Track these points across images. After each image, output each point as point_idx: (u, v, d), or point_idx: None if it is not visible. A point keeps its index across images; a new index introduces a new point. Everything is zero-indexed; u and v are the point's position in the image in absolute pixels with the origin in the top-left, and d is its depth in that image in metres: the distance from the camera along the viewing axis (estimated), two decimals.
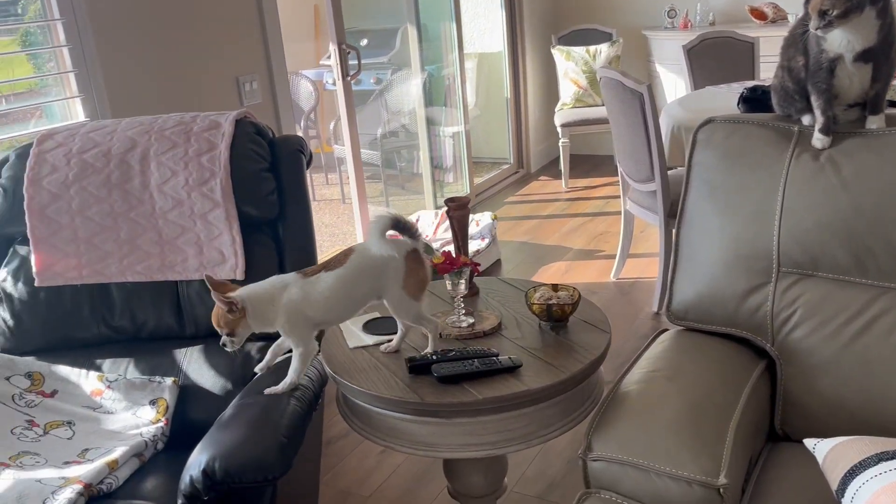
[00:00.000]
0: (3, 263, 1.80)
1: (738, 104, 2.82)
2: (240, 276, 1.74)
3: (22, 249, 1.79)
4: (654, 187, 2.97)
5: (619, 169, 3.33)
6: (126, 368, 1.71)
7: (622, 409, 1.36)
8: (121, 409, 1.64)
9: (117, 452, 1.47)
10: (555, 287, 1.59)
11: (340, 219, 5.09)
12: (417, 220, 4.01)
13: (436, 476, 2.22)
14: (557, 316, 1.53)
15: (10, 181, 1.78)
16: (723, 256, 1.55)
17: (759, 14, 4.73)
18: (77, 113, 2.38)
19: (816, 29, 1.39)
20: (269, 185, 1.77)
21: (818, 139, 1.48)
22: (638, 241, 3.91)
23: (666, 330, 1.69)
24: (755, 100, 2.65)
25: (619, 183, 3.40)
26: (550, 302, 1.53)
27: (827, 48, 1.42)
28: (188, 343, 1.76)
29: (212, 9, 2.79)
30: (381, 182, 5.29)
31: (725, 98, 3.33)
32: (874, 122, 1.46)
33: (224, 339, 1.43)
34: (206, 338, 1.77)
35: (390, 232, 1.43)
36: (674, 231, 1.69)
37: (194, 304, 1.76)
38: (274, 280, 1.46)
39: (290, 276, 1.46)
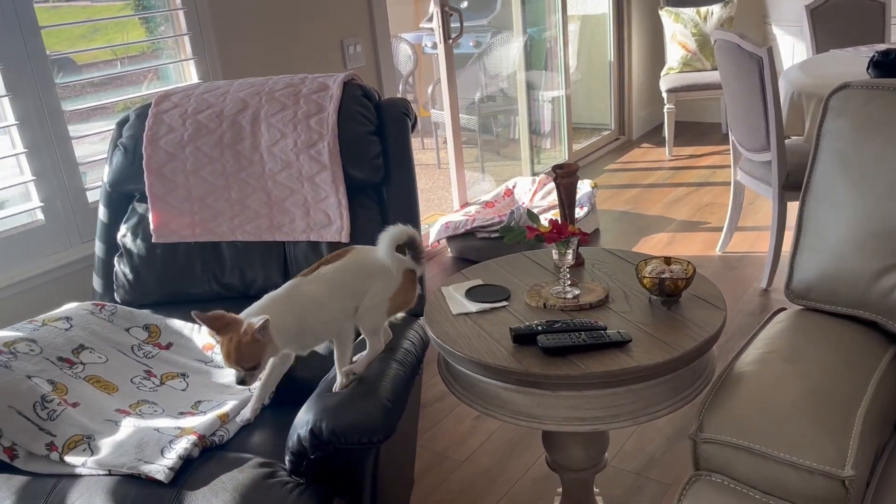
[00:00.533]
0: (124, 219, 1.88)
1: (867, 69, 2.62)
2: (345, 238, 1.75)
3: (140, 207, 1.87)
4: (768, 157, 2.81)
5: (731, 137, 3.17)
6: None
7: (738, 390, 1.29)
8: None
9: (228, 406, 1.52)
10: (667, 260, 1.52)
11: (436, 184, 5.10)
12: (514, 187, 3.96)
13: (531, 445, 2.21)
14: (670, 290, 1.46)
15: (130, 140, 1.85)
16: (853, 233, 1.44)
17: None
18: (191, 75, 2.44)
19: None
20: (375, 148, 1.77)
21: None
22: (747, 213, 3.73)
23: (783, 309, 1.59)
24: (888, 64, 2.46)
25: (730, 152, 3.23)
26: (663, 276, 1.46)
27: None
28: None
29: None
30: (476, 147, 5.25)
31: (852, 62, 3.09)
32: None
33: (243, 375, 1.31)
34: None
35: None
36: (797, 204, 1.58)
37: (301, 265, 1.79)
38: (278, 292, 1.39)
39: (292, 281, 1.41)
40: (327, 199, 1.74)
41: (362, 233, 1.76)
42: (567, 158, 4.76)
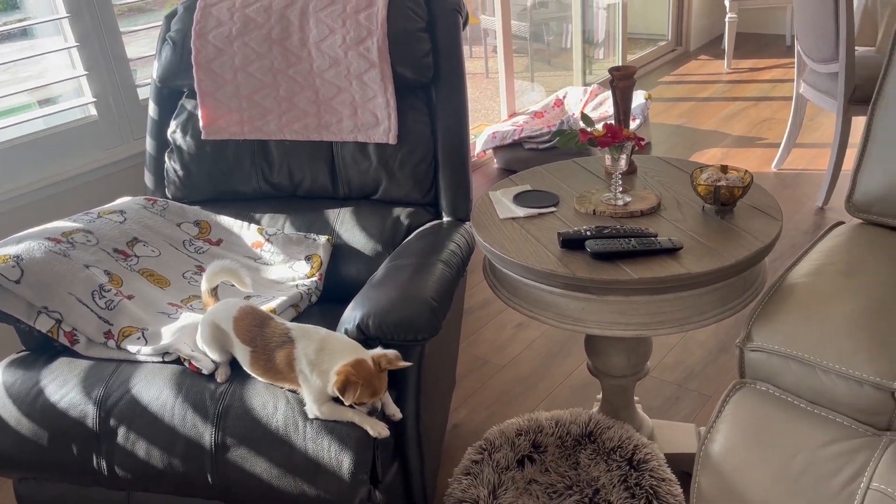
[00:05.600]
0: (173, 116, 1.88)
1: None
2: (392, 140, 1.73)
3: (189, 103, 1.87)
4: (836, 68, 2.66)
5: (797, 46, 3.01)
6: (283, 224, 1.79)
7: (790, 301, 1.27)
8: (279, 262, 1.72)
9: (276, 301, 1.55)
10: (724, 168, 1.47)
11: (483, 94, 4.99)
12: (565, 97, 3.85)
13: (570, 354, 2.22)
14: (725, 199, 1.42)
15: (179, 34, 1.83)
16: None
17: None
18: None
19: None
20: (425, 46, 1.72)
21: None
22: (806, 129, 3.58)
23: (842, 222, 1.54)
24: None
25: (795, 63, 3.07)
26: (719, 183, 1.42)
27: None
28: (341, 203, 1.80)
29: None
30: (527, 56, 5.10)
31: None
32: None
33: (374, 404, 1.27)
34: (359, 199, 1.81)
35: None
36: (863, 120, 1.50)
37: (348, 165, 1.79)
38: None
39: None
40: (375, 98, 1.72)
41: (410, 134, 1.74)
42: None
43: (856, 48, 2.72)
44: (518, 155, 3.47)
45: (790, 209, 2.92)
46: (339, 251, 1.73)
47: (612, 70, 1.62)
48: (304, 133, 1.78)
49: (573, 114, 3.76)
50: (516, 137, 3.42)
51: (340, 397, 1.24)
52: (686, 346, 2.21)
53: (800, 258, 1.43)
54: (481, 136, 3.61)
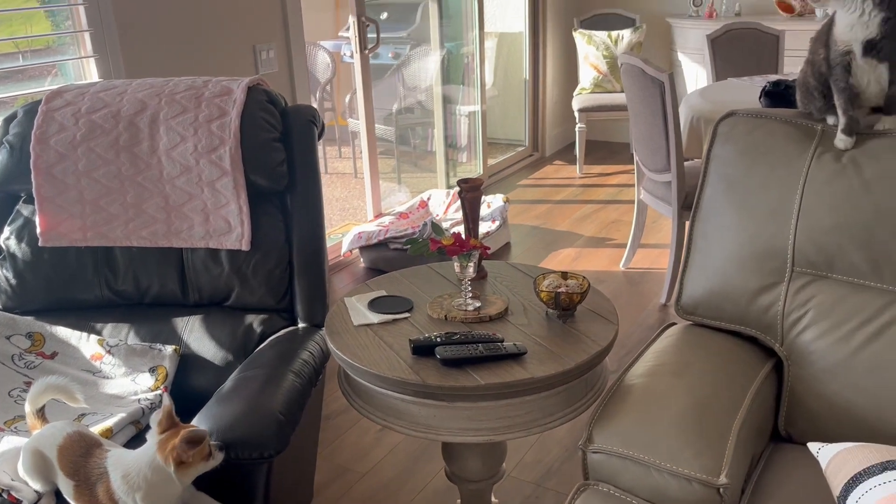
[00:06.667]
0: (7, 221, 1.78)
1: (759, 98, 2.77)
2: (245, 246, 1.72)
3: (26, 209, 1.78)
4: (669, 178, 2.93)
5: (635, 157, 3.29)
6: (127, 334, 1.70)
7: (626, 402, 1.34)
8: (119, 375, 1.63)
9: (114, 419, 1.46)
10: (564, 275, 1.56)
11: (351, 193, 5.07)
12: (429, 199, 3.98)
13: (433, 457, 2.21)
14: (565, 304, 1.50)
15: (17, 138, 1.76)
16: (737, 253, 1.52)
17: (785, 7, 4.64)
18: (91, 73, 2.35)
19: None
20: (280, 156, 1.75)
21: (841, 140, 1.44)
22: (650, 231, 3.87)
23: (674, 324, 1.66)
24: (777, 94, 2.60)
25: (634, 171, 3.35)
26: (559, 290, 1.50)
27: (836, 35, 1.40)
28: (190, 311, 1.75)
29: None
30: (394, 158, 5.25)
31: (747, 91, 3.27)
32: (885, 123, 1.43)
33: None
34: (209, 306, 1.76)
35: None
36: (687, 224, 1.65)
37: (199, 272, 1.75)
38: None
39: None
40: (228, 205, 1.71)
41: (264, 241, 1.73)
42: (482, 172, 4.82)
43: (686, 160, 3.01)
44: (384, 255, 3.51)
45: (637, 306, 3.11)
46: (187, 362, 1.67)
47: (460, 182, 1.70)
48: (153, 239, 1.73)
49: (437, 215, 3.89)
50: (381, 238, 3.47)
51: (183, 463, 1.19)
52: (544, 444, 2.25)
53: (636, 359, 1.51)
54: (348, 236, 3.64)
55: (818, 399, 1.44)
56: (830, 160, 1.44)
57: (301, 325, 1.75)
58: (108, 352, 1.65)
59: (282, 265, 1.75)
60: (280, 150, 1.75)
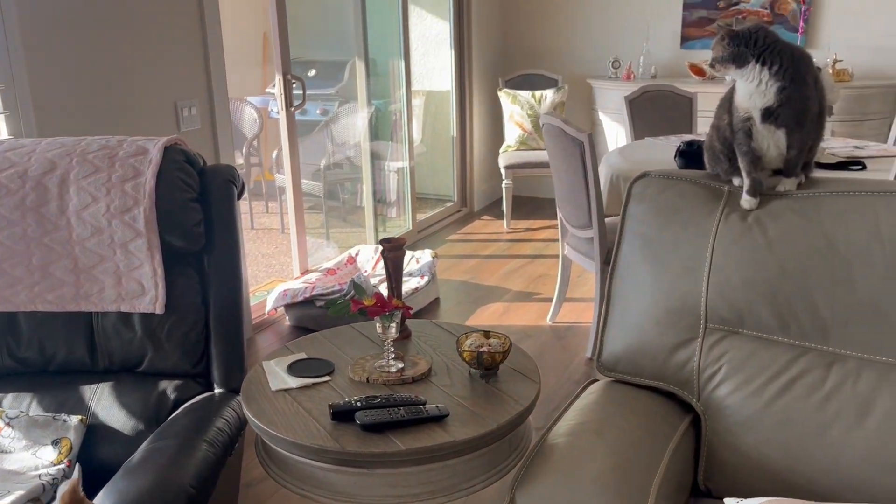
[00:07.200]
0: None
1: (675, 157, 2.88)
2: (159, 309, 1.66)
3: None
4: (591, 234, 3.00)
5: (559, 214, 3.36)
6: (29, 404, 1.61)
7: (548, 463, 1.33)
8: (19, 449, 1.53)
9: (9, 499, 1.36)
10: (486, 334, 1.57)
11: (278, 249, 5.00)
12: (357, 255, 3.96)
13: None
14: (488, 364, 1.50)
15: None
16: (653, 310, 1.56)
17: (697, 70, 4.89)
18: (0, 130, 2.27)
19: (710, 66, 1.50)
20: (197, 216, 1.71)
21: (746, 200, 1.51)
22: (575, 285, 3.94)
23: (596, 380, 1.67)
24: (691, 153, 2.71)
25: (559, 227, 3.42)
26: (481, 349, 1.50)
27: (737, 102, 1.48)
28: (100, 378, 1.67)
29: (152, 29, 2.72)
30: (322, 213, 5.23)
31: (663, 150, 3.40)
32: (784, 185, 1.50)
33: None
34: (120, 372, 1.69)
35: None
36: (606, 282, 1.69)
37: (109, 336, 1.67)
38: None
39: None
40: (141, 267, 1.65)
41: (179, 303, 1.68)
42: (411, 228, 4.84)
43: (607, 216, 3.09)
44: (310, 313, 3.45)
45: (563, 360, 3.14)
46: (95, 432, 1.58)
47: (382, 241, 1.70)
48: (60, 304, 1.66)
49: (364, 271, 3.86)
50: (307, 295, 3.42)
51: None
52: None
53: (559, 417, 1.51)
54: (273, 294, 3.57)
55: (734, 453, 1.46)
56: (737, 219, 1.51)
57: (217, 390, 1.69)
58: (8, 424, 1.55)
59: (198, 328, 1.69)
60: (197, 210, 1.71)
